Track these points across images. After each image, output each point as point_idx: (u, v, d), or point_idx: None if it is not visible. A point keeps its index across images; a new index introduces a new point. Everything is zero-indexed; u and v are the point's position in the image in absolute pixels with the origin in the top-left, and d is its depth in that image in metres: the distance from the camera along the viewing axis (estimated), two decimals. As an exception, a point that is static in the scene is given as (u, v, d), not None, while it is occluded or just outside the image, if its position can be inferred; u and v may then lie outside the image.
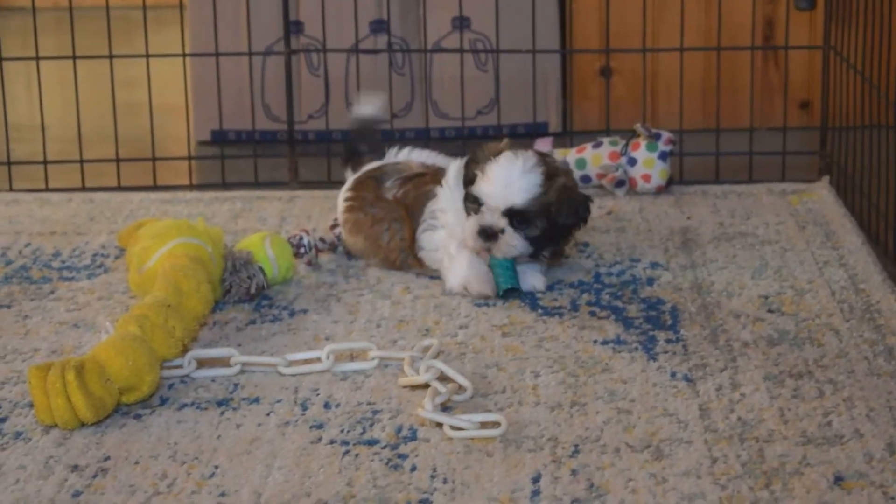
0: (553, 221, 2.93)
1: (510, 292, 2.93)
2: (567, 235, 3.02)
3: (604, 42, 4.00)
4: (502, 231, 2.90)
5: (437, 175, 3.09)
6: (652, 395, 2.50)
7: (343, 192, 3.21)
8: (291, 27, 4.03)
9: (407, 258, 3.07)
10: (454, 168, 3.04)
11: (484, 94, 4.16)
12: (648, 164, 3.57)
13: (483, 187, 2.91)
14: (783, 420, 2.40)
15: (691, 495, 2.17)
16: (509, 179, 2.90)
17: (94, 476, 2.26)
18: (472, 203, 2.93)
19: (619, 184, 3.57)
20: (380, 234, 3.10)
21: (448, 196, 3.02)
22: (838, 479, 2.20)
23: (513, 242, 2.92)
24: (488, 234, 2.91)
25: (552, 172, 2.94)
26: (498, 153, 2.95)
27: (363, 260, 3.15)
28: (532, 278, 2.99)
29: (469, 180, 2.96)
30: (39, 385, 2.39)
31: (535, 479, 2.22)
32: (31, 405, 2.48)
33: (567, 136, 4.05)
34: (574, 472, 2.24)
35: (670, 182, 3.61)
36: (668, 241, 3.27)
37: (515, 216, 2.90)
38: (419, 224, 3.05)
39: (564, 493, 2.18)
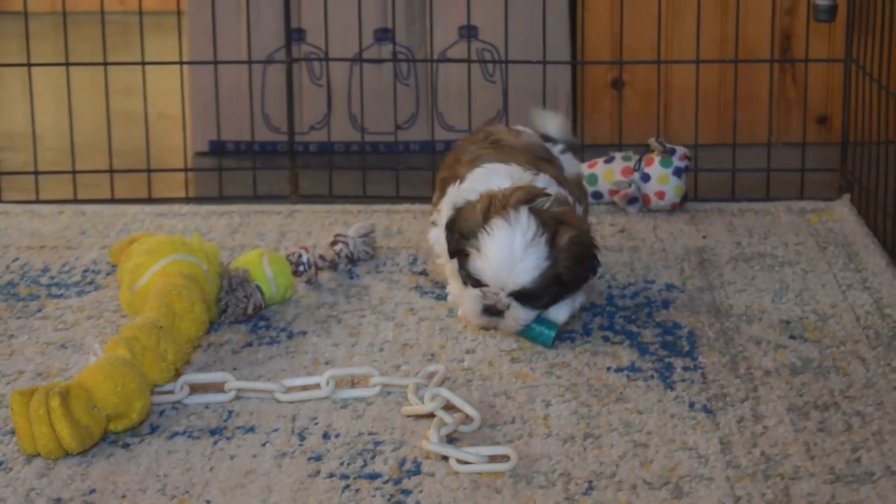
0: (563, 283, 2.67)
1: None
2: (576, 288, 2.73)
3: (616, 53, 3.91)
4: (508, 307, 2.66)
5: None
6: (669, 427, 2.38)
7: None
8: (293, 35, 3.96)
9: None
10: (446, 210, 2.74)
11: (491, 106, 4.07)
12: (663, 181, 3.46)
13: (480, 266, 2.62)
14: (809, 455, 2.28)
15: (714, 538, 2.05)
16: (511, 258, 2.59)
17: (78, 510, 2.14)
18: (470, 278, 2.66)
19: (632, 201, 3.46)
20: None
21: (440, 239, 2.77)
22: (870, 522, 2.08)
23: (520, 317, 2.66)
24: (493, 312, 2.66)
25: (554, 230, 2.61)
26: (487, 220, 2.64)
27: None
28: (555, 309, 2.74)
29: (457, 251, 2.68)
30: (22, 411, 2.29)
31: (547, 519, 2.10)
32: (13, 432, 2.36)
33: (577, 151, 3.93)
34: (588, 511, 2.12)
35: (685, 199, 3.50)
36: (683, 261, 3.15)
37: (522, 294, 2.65)
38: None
39: (578, 533, 2.06)
